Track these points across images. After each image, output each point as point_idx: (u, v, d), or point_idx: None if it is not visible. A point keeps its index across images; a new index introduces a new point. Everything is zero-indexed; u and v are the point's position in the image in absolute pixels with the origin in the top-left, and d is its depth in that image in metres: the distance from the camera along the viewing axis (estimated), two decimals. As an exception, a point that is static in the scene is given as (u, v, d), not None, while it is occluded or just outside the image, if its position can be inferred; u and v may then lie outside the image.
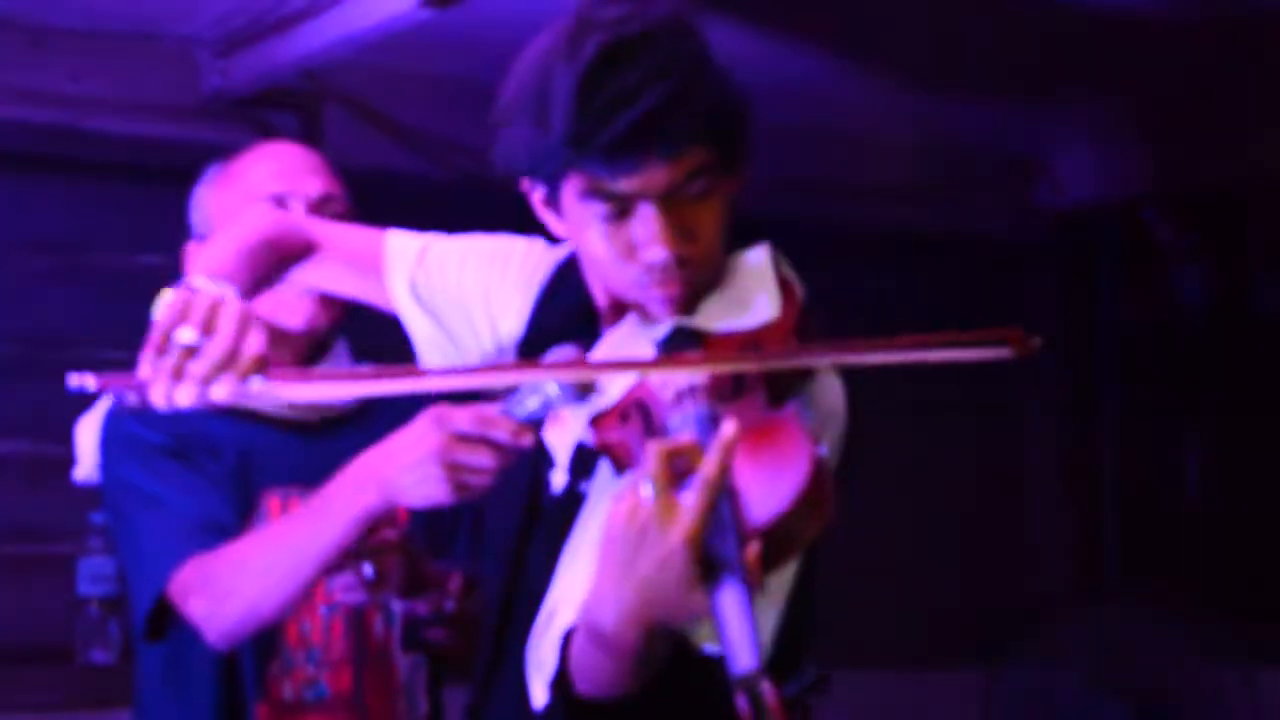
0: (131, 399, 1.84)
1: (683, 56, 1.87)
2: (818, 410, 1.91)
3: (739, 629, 1.55)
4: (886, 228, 5.37)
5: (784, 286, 1.95)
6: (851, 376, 2.00)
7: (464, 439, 1.98)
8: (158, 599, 2.40)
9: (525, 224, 2.09)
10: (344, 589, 2.36)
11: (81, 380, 1.82)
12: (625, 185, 1.87)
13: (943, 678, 5.42)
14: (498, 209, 2.26)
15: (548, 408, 1.92)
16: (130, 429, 2.51)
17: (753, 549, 1.58)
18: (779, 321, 1.90)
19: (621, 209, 1.89)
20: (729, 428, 1.62)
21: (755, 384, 1.83)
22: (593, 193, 1.89)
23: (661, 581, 1.60)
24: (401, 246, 2.17)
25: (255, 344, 1.83)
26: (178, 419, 2.49)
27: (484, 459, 1.98)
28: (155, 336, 1.82)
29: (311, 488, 2.49)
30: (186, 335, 1.81)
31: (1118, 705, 4.89)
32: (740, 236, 2.03)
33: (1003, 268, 5.74)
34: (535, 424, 1.96)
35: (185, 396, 1.80)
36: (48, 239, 4.29)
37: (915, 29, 4.21)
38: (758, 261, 1.97)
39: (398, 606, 2.51)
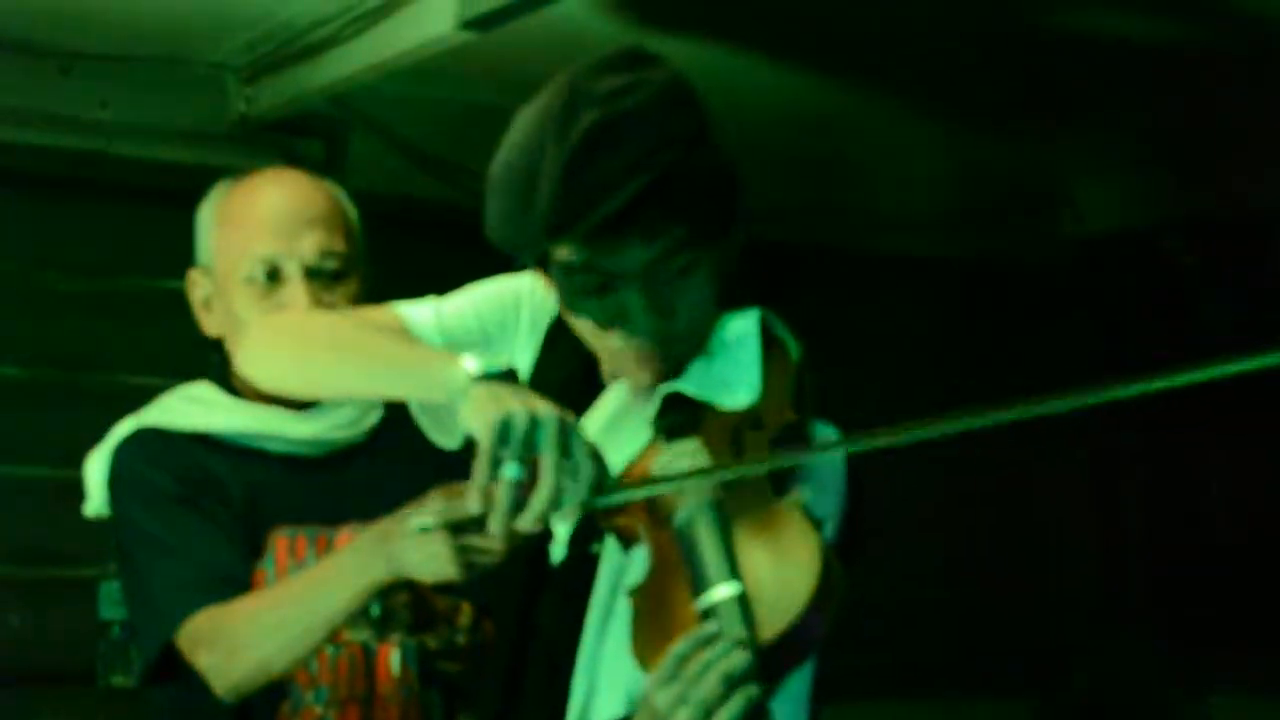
0: (471, 530, 1.84)
1: (670, 138, 1.80)
2: (816, 474, 1.88)
3: None
4: (909, 257, 5.35)
5: (774, 354, 1.92)
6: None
7: (473, 522, 1.94)
8: (164, 647, 2.36)
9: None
10: (351, 628, 2.32)
11: (423, 523, 1.90)
12: (605, 265, 1.84)
13: (968, 707, 5.37)
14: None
15: None
16: (138, 470, 2.45)
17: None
18: (776, 394, 1.87)
19: (603, 284, 1.86)
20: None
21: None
22: (576, 268, 1.86)
23: None
24: (416, 314, 2.12)
25: (585, 467, 1.75)
26: (185, 459, 2.45)
27: (493, 541, 1.95)
28: (482, 471, 1.74)
29: (319, 525, 2.45)
30: (511, 472, 1.73)
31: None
32: (769, 268, 1.99)
33: (1026, 296, 5.69)
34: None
35: (525, 527, 1.74)
36: (75, 263, 4.28)
37: (939, 62, 4.17)
38: (744, 329, 1.93)
39: (408, 642, 2.47)
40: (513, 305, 2.11)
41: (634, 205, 1.78)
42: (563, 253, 1.85)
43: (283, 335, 2.18)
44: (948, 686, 5.32)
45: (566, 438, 1.75)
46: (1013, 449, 5.42)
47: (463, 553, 1.99)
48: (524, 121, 1.88)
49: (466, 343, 2.07)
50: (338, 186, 2.64)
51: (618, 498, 1.79)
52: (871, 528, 1.96)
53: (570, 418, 1.78)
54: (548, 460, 1.73)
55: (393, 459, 2.52)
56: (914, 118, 4.70)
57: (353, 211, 2.60)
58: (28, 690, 4.08)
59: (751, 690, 1.62)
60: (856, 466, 1.94)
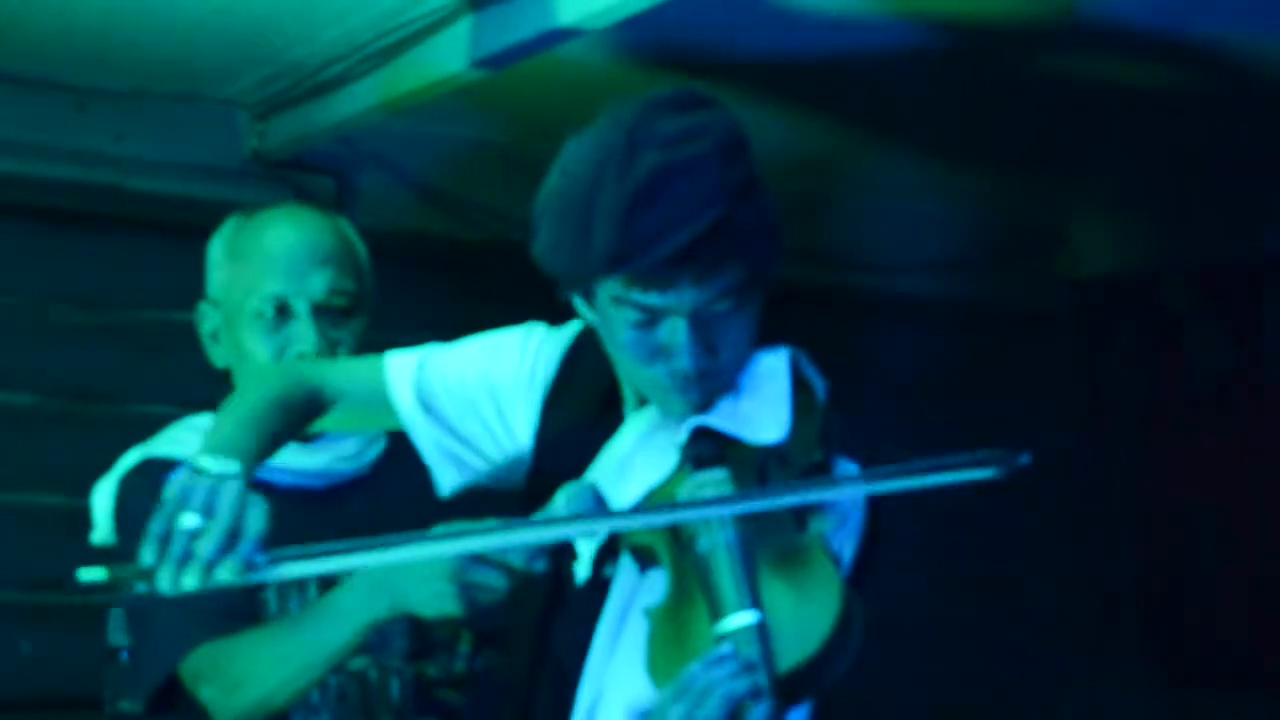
0: (142, 587, 1.79)
1: (726, 184, 1.83)
2: (839, 508, 1.90)
3: None
4: (910, 297, 5.35)
5: (802, 393, 1.94)
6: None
7: (477, 560, 1.98)
8: (166, 679, 2.36)
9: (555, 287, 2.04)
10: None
11: (92, 575, 1.80)
12: (656, 301, 1.86)
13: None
14: (528, 271, 2.19)
15: (559, 540, 1.93)
16: (143, 502, 2.41)
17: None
18: (803, 431, 1.90)
19: (650, 318, 1.88)
20: None
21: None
22: (625, 301, 1.87)
23: None
24: (400, 365, 2.15)
25: (255, 524, 1.81)
26: None
27: (496, 579, 1.98)
28: (158, 523, 1.79)
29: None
30: (188, 521, 1.78)
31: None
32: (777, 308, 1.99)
33: (1024, 337, 5.67)
34: (547, 550, 1.95)
35: (191, 580, 1.77)
36: (89, 293, 4.26)
37: (937, 107, 4.16)
38: (774, 369, 1.96)
39: (405, 670, 2.45)
40: (503, 360, 2.12)
41: (691, 247, 1.81)
42: (615, 286, 1.87)
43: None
44: (934, 714, 5.28)
45: (245, 500, 1.83)
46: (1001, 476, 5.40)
47: (466, 590, 1.98)
48: (577, 155, 1.90)
49: (442, 394, 2.11)
50: (348, 223, 2.62)
51: (295, 568, 1.84)
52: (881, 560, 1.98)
53: (251, 491, 1.85)
54: (222, 512, 1.79)
55: (393, 492, 2.50)
56: (912, 161, 4.70)
57: (362, 248, 2.59)
58: (38, 715, 4.06)
59: (757, 712, 1.65)
60: (877, 503, 1.96)
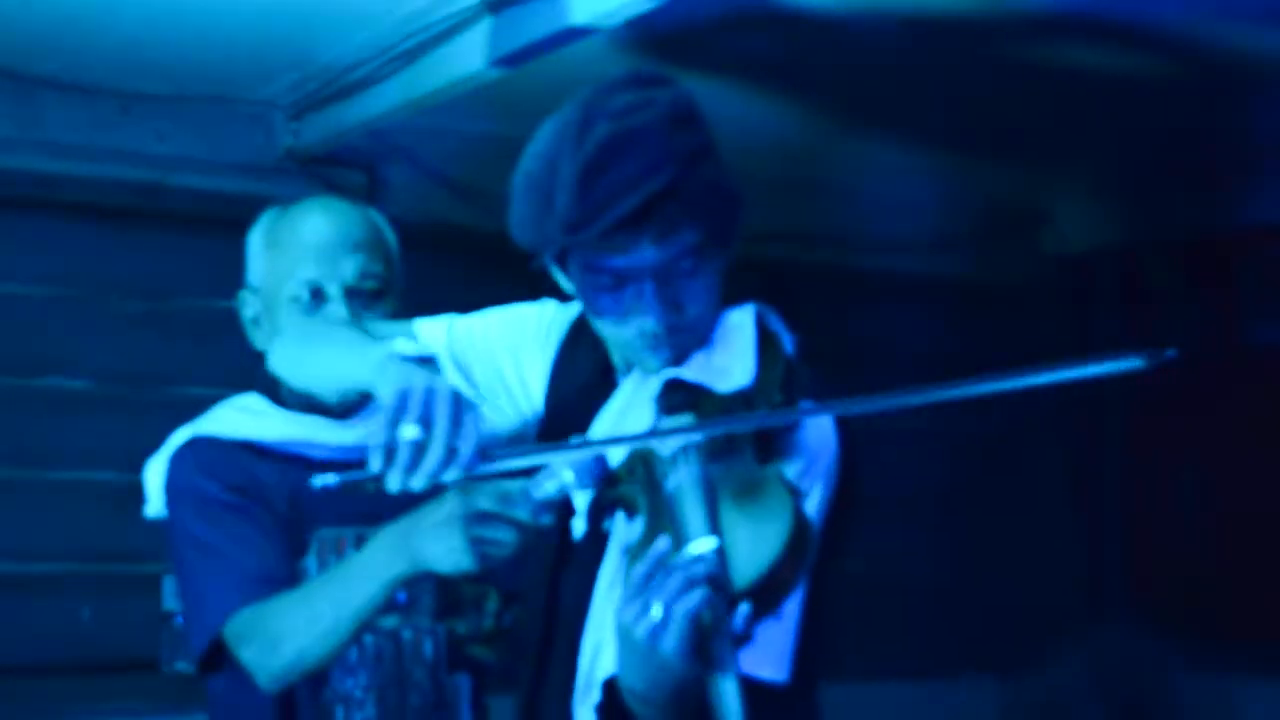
0: (371, 488, 1.86)
1: (677, 150, 1.87)
2: (805, 452, 1.94)
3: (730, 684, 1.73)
4: (903, 275, 5.35)
5: (768, 344, 1.97)
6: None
7: (487, 516, 2.01)
8: (211, 642, 2.39)
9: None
10: (380, 616, 2.33)
11: (325, 480, 1.91)
12: (620, 264, 1.90)
13: (953, 687, 5.36)
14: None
15: (564, 492, 1.96)
16: (190, 478, 2.46)
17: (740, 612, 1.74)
18: (767, 379, 1.93)
19: (618, 281, 1.92)
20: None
21: (744, 440, 1.89)
22: (594, 267, 1.93)
23: (666, 671, 1.76)
24: (431, 330, 2.19)
25: (471, 434, 1.83)
26: (234, 467, 2.46)
27: (505, 534, 2.01)
28: (384, 433, 1.83)
29: (358, 525, 2.45)
30: (409, 433, 1.82)
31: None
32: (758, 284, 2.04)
33: (1010, 310, 5.68)
34: (553, 505, 1.99)
35: (419, 484, 1.83)
36: (137, 284, 4.32)
37: (927, 93, 4.19)
38: (741, 323, 2.00)
39: (437, 628, 2.49)
40: (522, 326, 2.17)
41: (645, 209, 1.85)
42: (583, 254, 1.92)
43: (297, 334, 2.33)
44: (928, 667, 5.31)
45: (458, 407, 1.83)
46: (994, 433, 5.43)
47: (478, 544, 2.01)
48: (543, 135, 1.96)
49: (469, 354, 2.15)
50: (377, 212, 2.66)
51: (504, 464, 1.88)
52: (860, 504, 2.01)
53: (461, 393, 1.87)
54: (440, 423, 1.81)
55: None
56: (904, 148, 4.71)
57: (391, 236, 2.62)
58: (99, 676, 4.15)
59: (711, 584, 1.70)
60: (850, 448, 1.99)
